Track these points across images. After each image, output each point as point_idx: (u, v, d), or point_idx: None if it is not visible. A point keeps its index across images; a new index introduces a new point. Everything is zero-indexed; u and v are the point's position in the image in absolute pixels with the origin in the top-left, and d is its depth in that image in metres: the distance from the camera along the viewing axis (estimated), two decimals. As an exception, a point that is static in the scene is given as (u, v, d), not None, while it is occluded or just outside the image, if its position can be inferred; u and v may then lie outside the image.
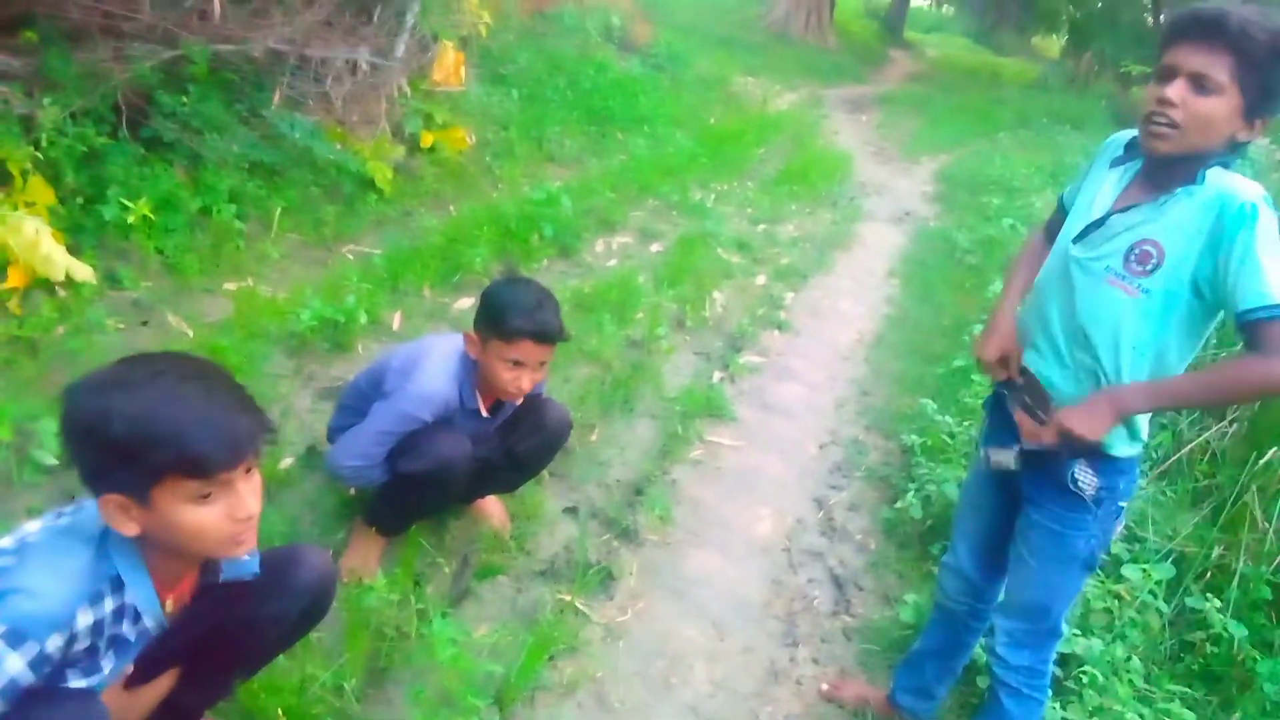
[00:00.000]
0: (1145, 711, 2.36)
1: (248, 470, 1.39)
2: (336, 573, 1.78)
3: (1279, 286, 1.62)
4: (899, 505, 3.54)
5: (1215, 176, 1.72)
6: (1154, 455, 3.71)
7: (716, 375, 4.50)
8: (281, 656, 2.09)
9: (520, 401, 2.52)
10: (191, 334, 3.52)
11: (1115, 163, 1.92)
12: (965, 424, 3.95)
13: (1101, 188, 1.92)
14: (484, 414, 2.49)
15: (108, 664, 1.41)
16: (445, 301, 4.36)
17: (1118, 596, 2.74)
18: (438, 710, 2.02)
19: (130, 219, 3.77)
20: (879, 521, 3.53)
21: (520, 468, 2.70)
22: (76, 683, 1.37)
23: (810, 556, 3.26)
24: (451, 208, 5.47)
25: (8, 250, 3.29)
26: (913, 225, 8.29)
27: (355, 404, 2.48)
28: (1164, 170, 1.79)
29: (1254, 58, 1.66)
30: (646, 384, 4.10)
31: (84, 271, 3.51)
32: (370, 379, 2.49)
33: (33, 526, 1.40)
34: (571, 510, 3.16)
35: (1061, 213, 2.08)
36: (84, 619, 1.32)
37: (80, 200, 3.75)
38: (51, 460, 2.56)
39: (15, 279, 3.28)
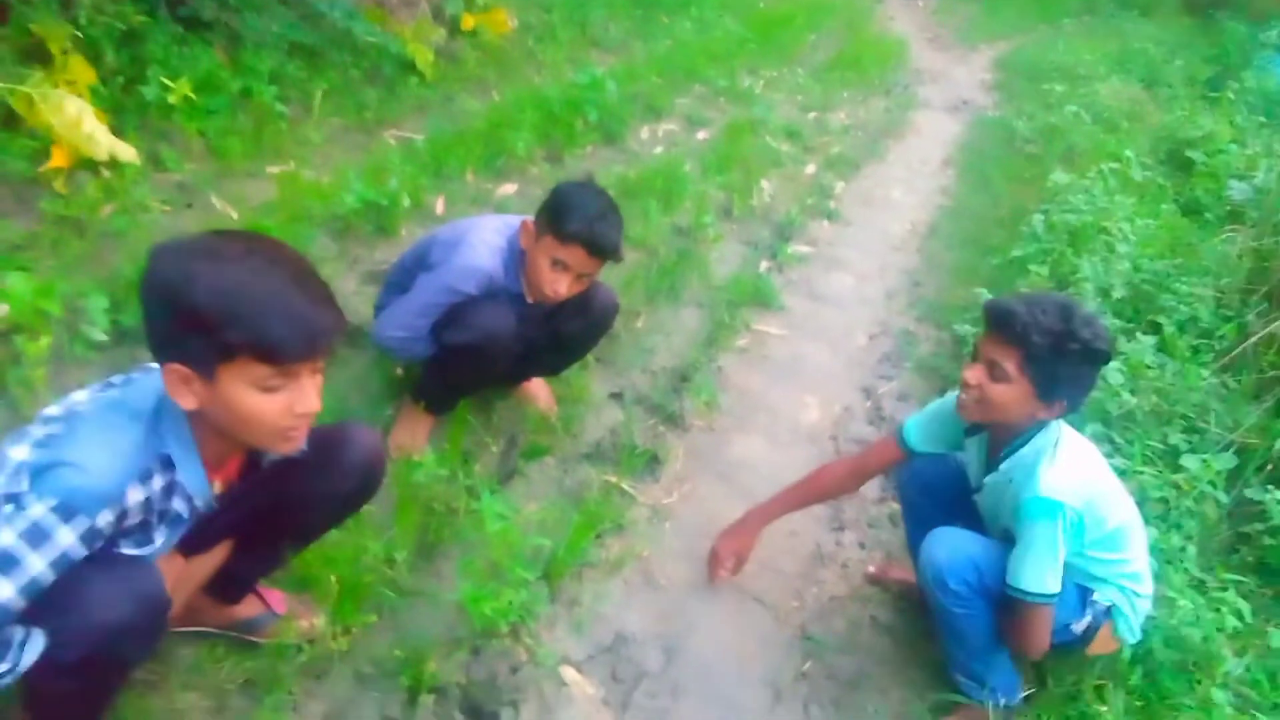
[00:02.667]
0: (1199, 600, 2.32)
1: (316, 367, 1.36)
2: (386, 451, 1.77)
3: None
4: (950, 395, 3.47)
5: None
6: (1217, 346, 3.59)
7: (764, 264, 4.41)
8: (334, 529, 2.13)
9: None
10: (236, 216, 3.50)
11: (969, 432, 2.20)
12: (1021, 314, 3.84)
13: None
14: (528, 299, 2.45)
15: (160, 537, 1.42)
16: (488, 187, 4.29)
17: (1175, 486, 2.68)
18: (486, 582, 2.04)
19: (171, 100, 3.71)
20: (929, 412, 3.47)
21: (565, 349, 2.67)
22: (129, 552, 1.38)
23: (857, 444, 3.23)
24: (494, 92, 5.33)
25: (51, 130, 3.27)
26: (970, 114, 7.97)
27: (401, 280, 2.45)
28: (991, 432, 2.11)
29: (1037, 352, 1.88)
30: (693, 272, 4.02)
31: (128, 152, 3.48)
32: (416, 254, 2.46)
33: (80, 396, 1.40)
34: (617, 395, 3.14)
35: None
36: (134, 496, 1.32)
37: (121, 80, 3.69)
38: (101, 336, 2.57)
39: (59, 159, 3.26)
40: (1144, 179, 5.57)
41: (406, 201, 3.70)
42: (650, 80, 6.10)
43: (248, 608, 1.88)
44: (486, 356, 2.32)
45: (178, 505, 1.42)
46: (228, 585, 1.80)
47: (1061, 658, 2.16)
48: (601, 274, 2.38)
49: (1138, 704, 2.22)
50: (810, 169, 5.87)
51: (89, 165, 3.37)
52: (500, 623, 2.01)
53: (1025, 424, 2.01)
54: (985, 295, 3.93)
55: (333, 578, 1.96)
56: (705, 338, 3.62)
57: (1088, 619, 2.05)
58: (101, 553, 1.32)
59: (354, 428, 1.71)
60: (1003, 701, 2.12)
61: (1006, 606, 1.99)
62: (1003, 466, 2.05)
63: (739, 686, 2.22)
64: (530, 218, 2.39)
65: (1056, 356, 1.89)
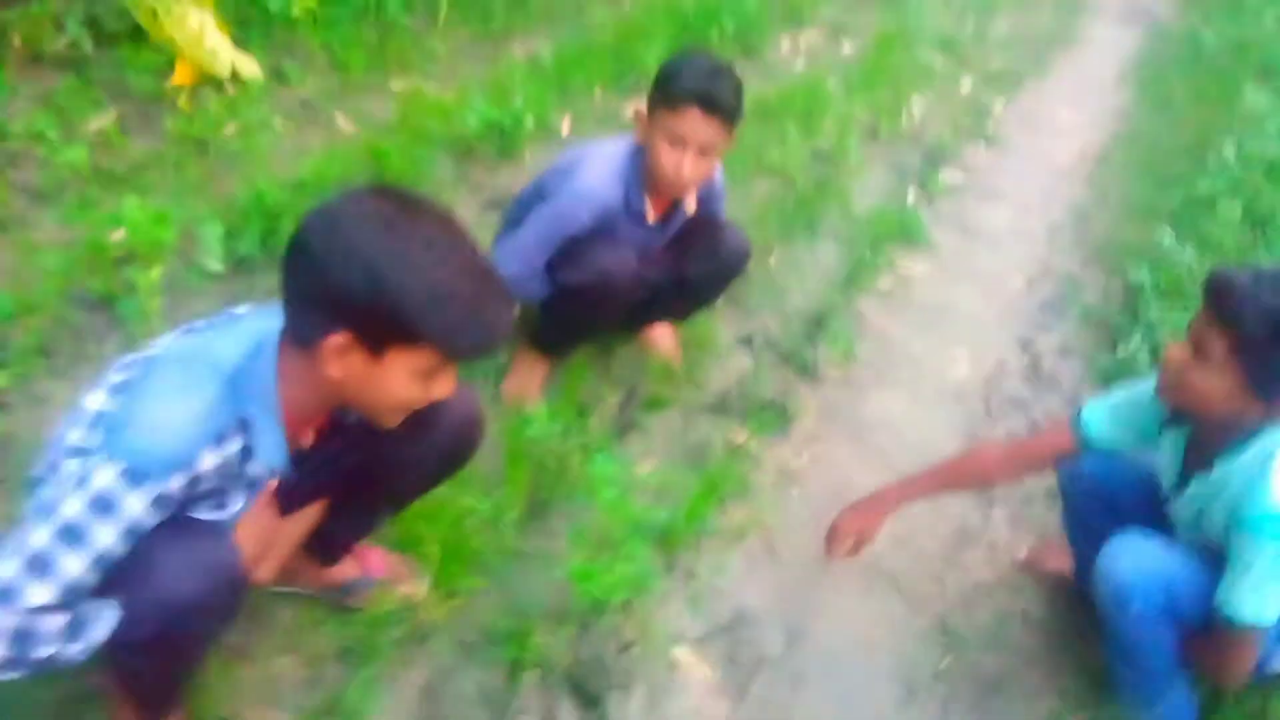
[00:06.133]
0: None
1: None
2: (484, 413, 1.62)
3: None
4: (1120, 352, 3.10)
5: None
6: None
7: (911, 194, 4.04)
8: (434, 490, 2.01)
9: (693, 208, 2.23)
10: (360, 134, 3.37)
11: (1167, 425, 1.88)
12: (1207, 260, 3.39)
13: None
14: (651, 219, 2.23)
15: (238, 501, 1.31)
16: (617, 104, 4.03)
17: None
18: (597, 554, 1.89)
19: (295, 11, 3.59)
20: (1095, 370, 3.11)
21: (690, 294, 2.45)
22: (206, 517, 1.27)
23: (1012, 405, 2.92)
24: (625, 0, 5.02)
25: (174, 45, 3.19)
26: (1149, 24, 7.15)
27: (519, 216, 2.27)
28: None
29: (1252, 338, 1.56)
30: (832, 203, 3.70)
31: (251, 68, 3.40)
32: (533, 187, 2.27)
33: (164, 341, 1.31)
34: (746, 341, 2.91)
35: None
36: (208, 461, 1.20)
37: (244, -9, 3.59)
38: (217, 266, 2.51)
39: (183, 75, 3.19)
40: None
41: (530, 122, 3.49)
42: (793, -16, 5.65)
43: (347, 569, 1.79)
44: (604, 298, 2.13)
45: (255, 469, 1.30)
46: (325, 546, 1.71)
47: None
48: (734, 207, 2.15)
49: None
50: (966, 85, 5.36)
51: (213, 81, 3.30)
52: (608, 599, 1.86)
53: (1242, 422, 1.68)
54: (1167, 235, 3.50)
55: (435, 541, 1.84)
56: (843, 278, 3.33)
57: None
58: (175, 519, 1.22)
59: None
60: (1172, 727, 1.85)
61: (1202, 631, 1.71)
62: (1214, 470, 1.73)
63: (867, 680, 2.03)
64: (639, 105, 2.16)
65: (1273, 345, 1.55)
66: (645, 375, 2.57)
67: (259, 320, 1.31)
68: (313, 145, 3.23)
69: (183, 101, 3.17)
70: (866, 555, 2.26)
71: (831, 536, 2.09)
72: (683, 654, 1.98)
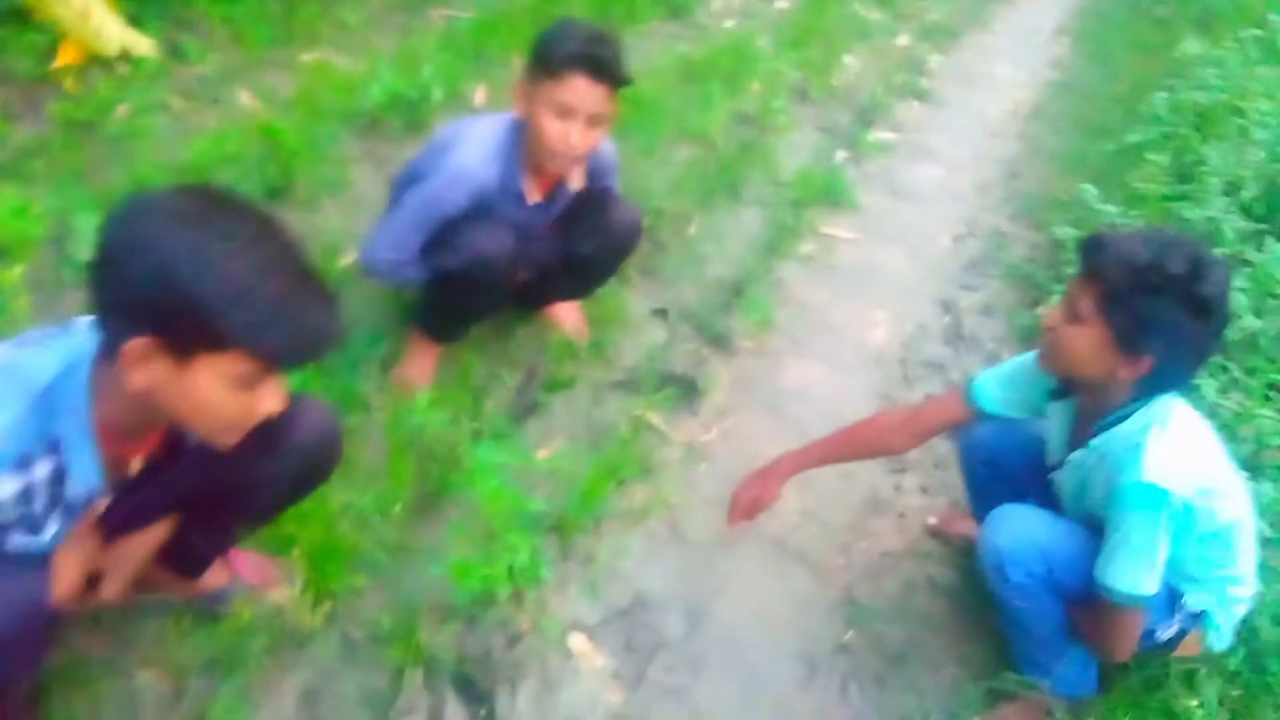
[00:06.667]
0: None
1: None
2: (338, 430, 1.54)
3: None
4: (1041, 309, 3.07)
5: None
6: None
7: (840, 155, 3.98)
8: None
9: (579, 184, 2.15)
10: (265, 112, 3.25)
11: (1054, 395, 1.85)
12: (1132, 214, 3.36)
13: None
14: (532, 200, 2.15)
15: (52, 526, 1.23)
16: (536, 72, 3.92)
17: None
18: (483, 544, 1.83)
19: (189, -17, 3.44)
20: (1015, 329, 3.08)
21: (582, 273, 2.37)
22: (18, 541, 1.20)
23: (929, 369, 2.88)
24: (548, -39, 4.88)
25: (58, 23, 3.05)
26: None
27: (396, 197, 2.18)
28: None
29: (1113, 288, 1.55)
30: (756, 167, 3.64)
31: (143, 45, 3.26)
32: (410, 168, 2.18)
33: None
34: (661, 313, 2.85)
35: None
36: (7, 487, 1.13)
37: (138, -35, 3.43)
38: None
39: (67, 55, 3.06)
40: (1293, 47, 4.82)
41: (439, 94, 3.38)
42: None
43: (215, 577, 1.72)
44: (481, 281, 2.05)
45: (73, 491, 1.22)
46: (183, 560, 1.63)
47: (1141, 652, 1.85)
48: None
49: (1235, 693, 1.91)
50: (903, 40, 5.31)
51: (102, 62, 3.16)
52: (496, 591, 1.80)
53: (1118, 388, 1.65)
54: (1090, 190, 3.46)
55: (298, 549, 1.78)
56: (765, 244, 3.27)
57: (1175, 625, 1.73)
58: None
59: (301, 403, 1.48)
60: (1071, 694, 1.84)
61: (1086, 603, 1.68)
62: (1094, 442, 1.70)
63: (768, 659, 1.99)
64: (518, 80, 2.07)
65: (1135, 292, 1.52)
66: (547, 355, 2.50)
67: (87, 334, 1.23)
68: (210, 126, 3.10)
69: (69, 84, 3.04)
70: (773, 530, 2.24)
71: (731, 506, 2.06)
72: (578, 642, 1.94)
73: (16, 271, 2.14)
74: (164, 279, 1.07)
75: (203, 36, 3.52)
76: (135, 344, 1.11)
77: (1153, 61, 5.05)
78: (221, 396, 1.16)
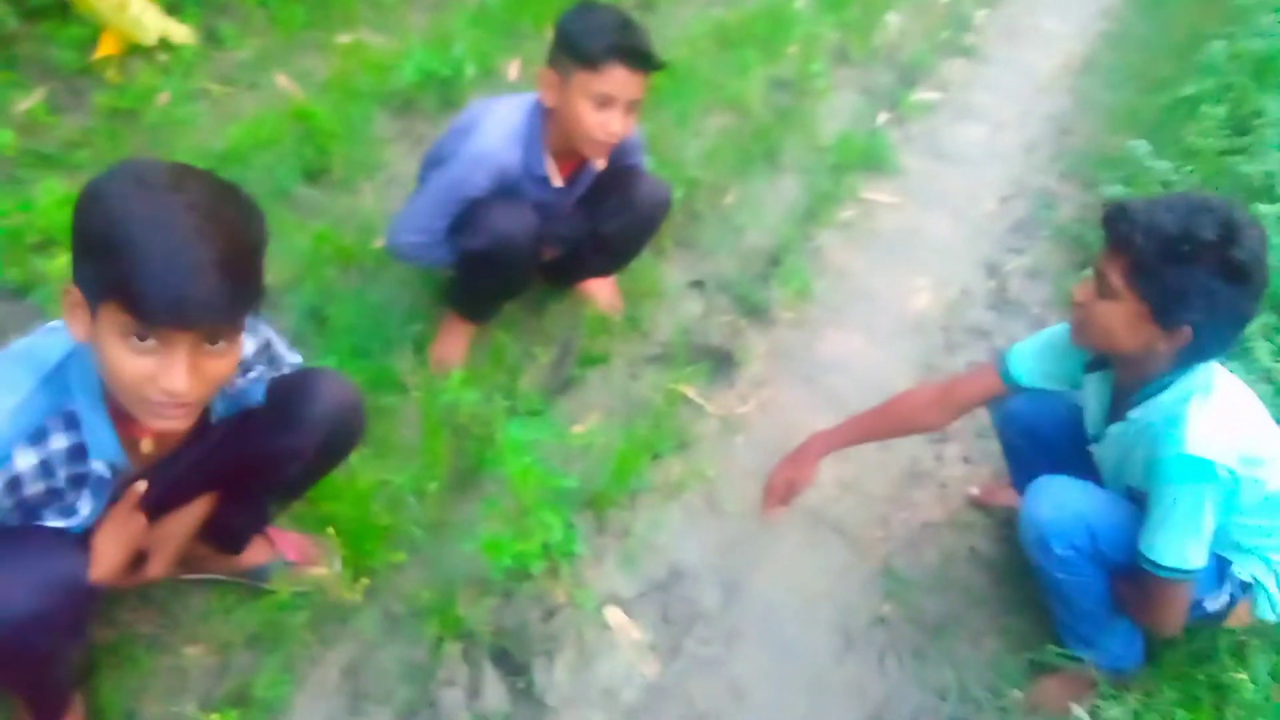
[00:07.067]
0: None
1: (198, 343, 1.12)
2: (358, 400, 1.56)
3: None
4: (1089, 272, 2.98)
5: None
6: None
7: (882, 117, 3.88)
8: (355, 460, 1.98)
9: (603, 165, 2.13)
10: (303, 94, 3.28)
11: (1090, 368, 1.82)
12: (1187, 170, 3.24)
13: None
14: (556, 183, 2.15)
15: (85, 504, 1.27)
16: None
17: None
18: (517, 520, 1.85)
19: (224, -31, 3.47)
20: (1063, 293, 2.99)
21: (611, 250, 2.36)
22: (54, 523, 1.24)
23: (973, 335, 2.83)
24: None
25: (98, 15, 3.11)
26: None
27: (423, 177, 2.19)
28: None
29: (1143, 258, 1.49)
30: (795, 133, 3.57)
31: (181, 32, 3.31)
32: (435, 149, 2.18)
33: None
34: (698, 284, 2.83)
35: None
36: (25, 460, 1.17)
37: (175, -48, 3.47)
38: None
39: (108, 46, 3.11)
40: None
41: (472, 70, 3.38)
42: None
43: (257, 554, 1.77)
44: (506, 263, 2.05)
45: (97, 467, 1.26)
46: (225, 536, 1.68)
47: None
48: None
49: (1289, 667, 1.86)
50: (947, -5, 5.13)
51: (142, 50, 3.21)
52: (530, 566, 1.82)
53: (1155, 361, 1.59)
54: (1142, 146, 3.34)
55: (332, 526, 1.81)
56: (803, 211, 3.22)
57: (1225, 595, 1.68)
58: (15, 530, 1.20)
59: (319, 376, 1.51)
60: (1116, 667, 1.80)
61: (1131, 576, 1.64)
62: (1133, 414, 1.65)
63: (805, 632, 1.99)
64: (544, 68, 2.06)
65: (1166, 263, 1.46)
66: (581, 330, 2.50)
67: None
68: (248, 111, 3.14)
69: (111, 74, 3.09)
70: (811, 502, 2.23)
71: (765, 490, 2.04)
72: (614, 615, 1.95)
73: (62, 261, 2.20)
74: (77, 223, 1.09)
75: (239, 21, 3.55)
76: (66, 291, 1.12)
77: (1209, 9, 4.82)
78: (119, 355, 1.11)
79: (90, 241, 1.07)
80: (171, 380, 1.10)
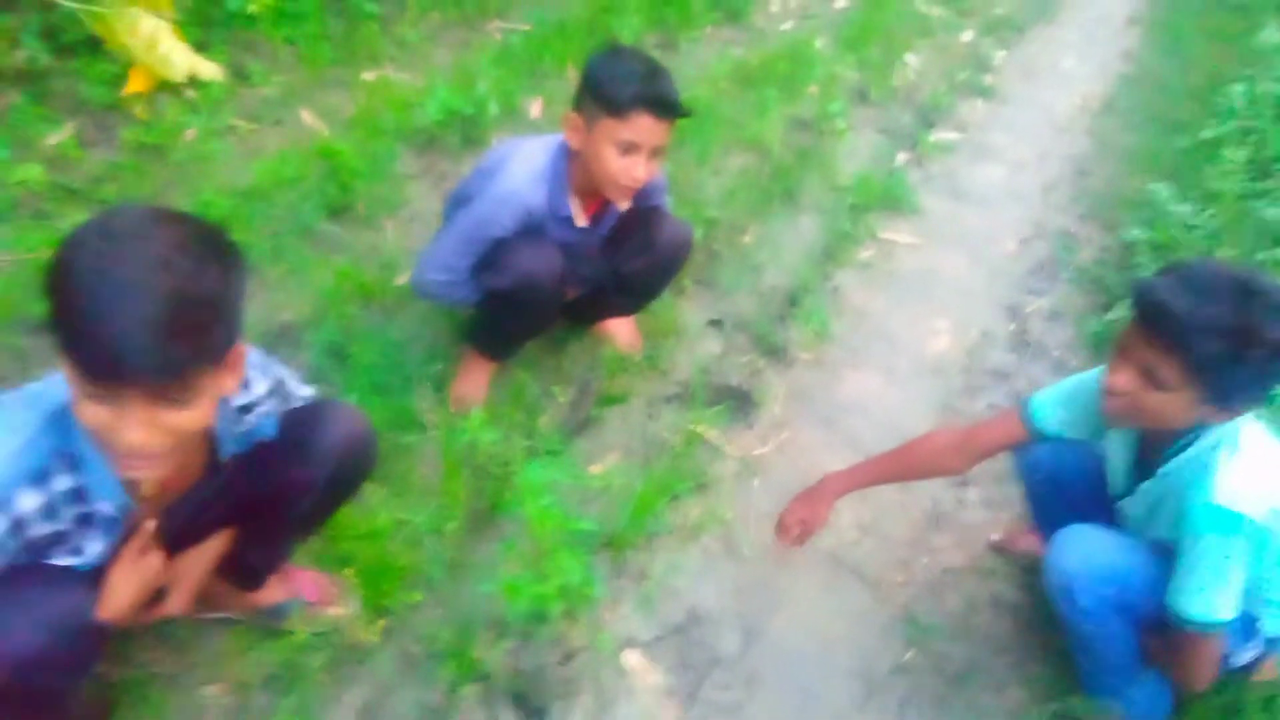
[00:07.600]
0: None
1: (152, 399, 1.10)
2: (369, 433, 1.56)
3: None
4: (1111, 315, 2.97)
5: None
6: None
7: (901, 157, 3.91)
8: (373, 498, 1.98)
9: (626, 207, 2.15)
10: (328, 131, 3.32)
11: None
12: (1207, 213, 3.24)
13: None
14: (580, 223, 2.16)
15: (94, 544, 1.27)
16: (591, 83, 3.93)
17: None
18: (535, 563, 1.84)
19: (252, 9, 3.53)
20: (1085, 335, 2.99)
21: (632, 290, 2.37)
22: (62, 561, 1.25)
23: (994, 378, 2.81)
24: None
25: (128, 52, 3.16)
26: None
27: (449, 216, 2.21)
28: None
29: (1206, 360, 1.44)
30: (814, 172, 3.59)
31: (209, 69, 3.35)
32: (460, 188, 2.20)
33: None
34: (717, 323, 2.83)
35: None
36: (28, 501, 1.17)
37: (206, -8, 3.54)
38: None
39: (137, 83, 3.16)
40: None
41: (495, 108, 3.41)
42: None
43: (274, 592, 1.76)
44: (530, 302, 2.06)
45: (103, 507, 1.26)
46: (243, 572, 1.68)
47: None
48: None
49: (1321, 720, 1.82)
50: (967, 36, 5.19)
51: (170, 87, 3.26)
52: (547, 609, 1.81)
53: (1192, 422, 1.57)
54: (1162, 189, 3.34)
55: (348, 566, 1.81)
56: (821, 251, 3.23)
57: (1253, 650, 1.65)
58: (21, 568, 1.19)
59: (330, 407, 1.51)
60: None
61: (1159, 627, 1.62)
62: (1163, 469, 1.64)
63: (824, 678, 1.96)
64: (570, 112, 2.07)
65: (1233, 363, 1.43)
66: (600, 369, 2.50)
67: None
68: (273, 147, 3.18)
69: (139, 110, 3.14)
70: (830, 545, 2.21)
71: (778, 528, 2.03)
72: (632, 659, 1.93)
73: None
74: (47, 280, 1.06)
75: (267, 59, 3.61)
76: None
77: (1229, 51, 4.86)
78: (79, 407, 1.10)
79: (48, 293, 1.06)
80: (124, 435, 1.09)
